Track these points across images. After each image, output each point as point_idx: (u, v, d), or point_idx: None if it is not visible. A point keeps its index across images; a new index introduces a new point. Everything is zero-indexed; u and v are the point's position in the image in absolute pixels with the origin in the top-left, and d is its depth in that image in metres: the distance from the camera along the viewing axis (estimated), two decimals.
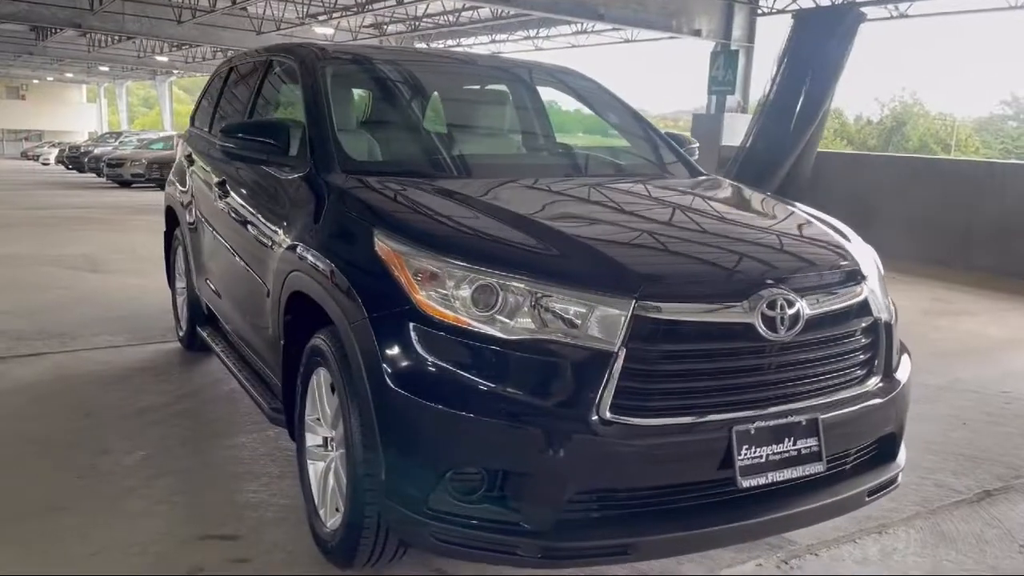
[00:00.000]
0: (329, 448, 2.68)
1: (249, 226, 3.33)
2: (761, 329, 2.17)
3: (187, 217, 4.59)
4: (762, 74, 12.42)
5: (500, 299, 2.14)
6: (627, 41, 18.79)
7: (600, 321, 2.09)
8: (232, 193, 3.61)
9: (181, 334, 5.03)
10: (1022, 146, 48.61)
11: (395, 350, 2.19)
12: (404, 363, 2.18)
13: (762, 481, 2.17)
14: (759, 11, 13.34)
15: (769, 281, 2.24)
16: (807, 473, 2.25)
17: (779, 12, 13.38)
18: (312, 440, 2.79)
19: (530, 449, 2.07)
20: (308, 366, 2.72)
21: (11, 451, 3.54)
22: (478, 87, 3.93)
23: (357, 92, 3.52)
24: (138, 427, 3.81)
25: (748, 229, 2.67)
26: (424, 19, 21.01)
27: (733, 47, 12.93)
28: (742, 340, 2.18)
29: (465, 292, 2.16)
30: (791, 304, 2.21)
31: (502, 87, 3.87)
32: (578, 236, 2.35)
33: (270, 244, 3.04)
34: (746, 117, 12.95)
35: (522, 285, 2.13)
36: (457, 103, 3.76)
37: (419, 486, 2.14)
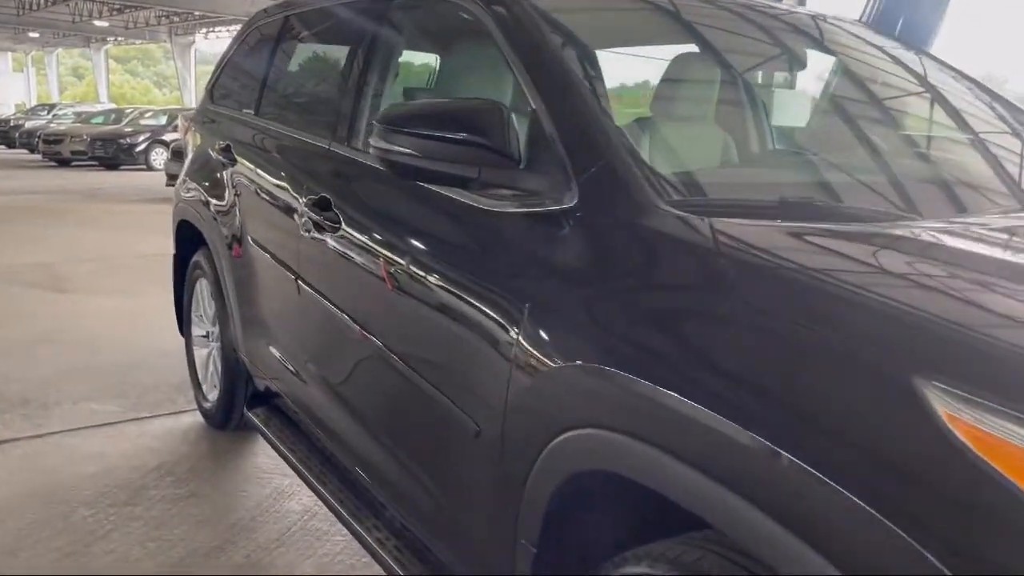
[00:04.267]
0: None
1: (414, 296, 1.83)
2: None
3: (225, 241, 3.04)
4: None
5: None
6: None
7: None
8: (353, 227, 2.09)
9: (207, 406, 3.48)
10: None
11: None
12: None
13: None
14: None
15: None
16: None
17: None
18: None
19: None
20: None
21: None
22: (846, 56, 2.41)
23: (629, 58, 2.01)
24: None
25: None
26: None
27: None
28: None
29: None
30: None
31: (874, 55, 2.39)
32: None
33: (483, 345, 1.56)
34: (796, 93, 11.57)
35: None
36: (837, 79, 2.27)
37: None
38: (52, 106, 29.80)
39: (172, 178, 12.90)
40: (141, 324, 5.02)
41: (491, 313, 1.56)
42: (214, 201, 3.14)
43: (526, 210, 1.58)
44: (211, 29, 33.98)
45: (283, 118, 2.85)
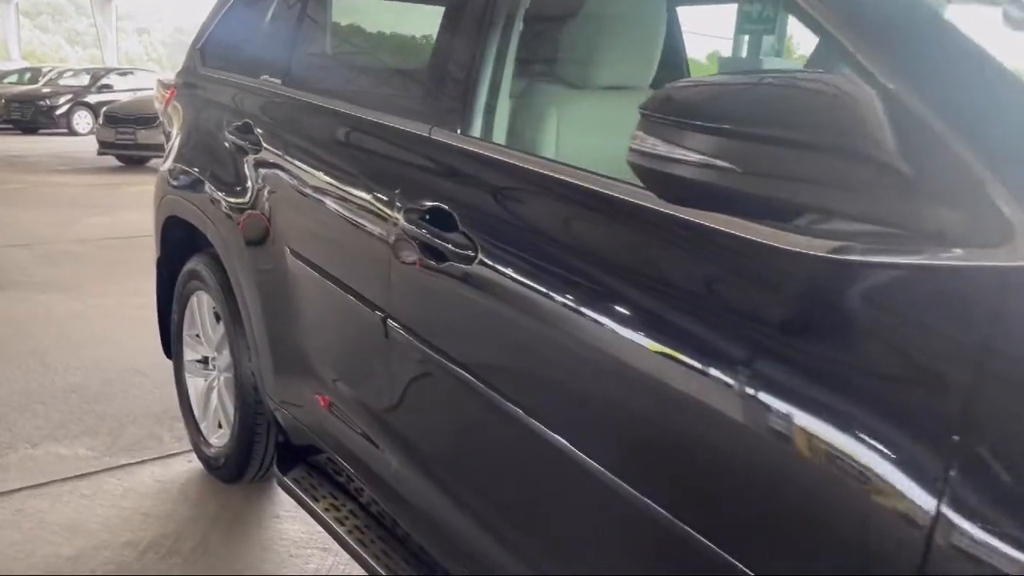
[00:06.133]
0: None
1: (662, 390, 1.14)
2: None
3: (245, 249, 2.31)
4: None
5: None
6: None
7: None
8: (508, 262, 1.40)
9: (210, 452, 2.75)
10: None
11: None
12: None
13: None
14: None
15: None
16: None
17: None
18: None
19: None
20: None
21: None
22: None
23: None
24: None
25: None
26: None
27: None
28: None
29: None
30: None
31: None
32: None
33: (833, 500, 0.91)
34: (784, 63, 11.07)
35: None
36: None
37: None
38: None
39: (105, 146, 11.72)
40: (98, 331, 4.19)
41: (856, 453, 0.91)
42: (227, 196, 2.40)
43: (912, 261, 0.93)
44: None
45: (333, 89, 2.12)
